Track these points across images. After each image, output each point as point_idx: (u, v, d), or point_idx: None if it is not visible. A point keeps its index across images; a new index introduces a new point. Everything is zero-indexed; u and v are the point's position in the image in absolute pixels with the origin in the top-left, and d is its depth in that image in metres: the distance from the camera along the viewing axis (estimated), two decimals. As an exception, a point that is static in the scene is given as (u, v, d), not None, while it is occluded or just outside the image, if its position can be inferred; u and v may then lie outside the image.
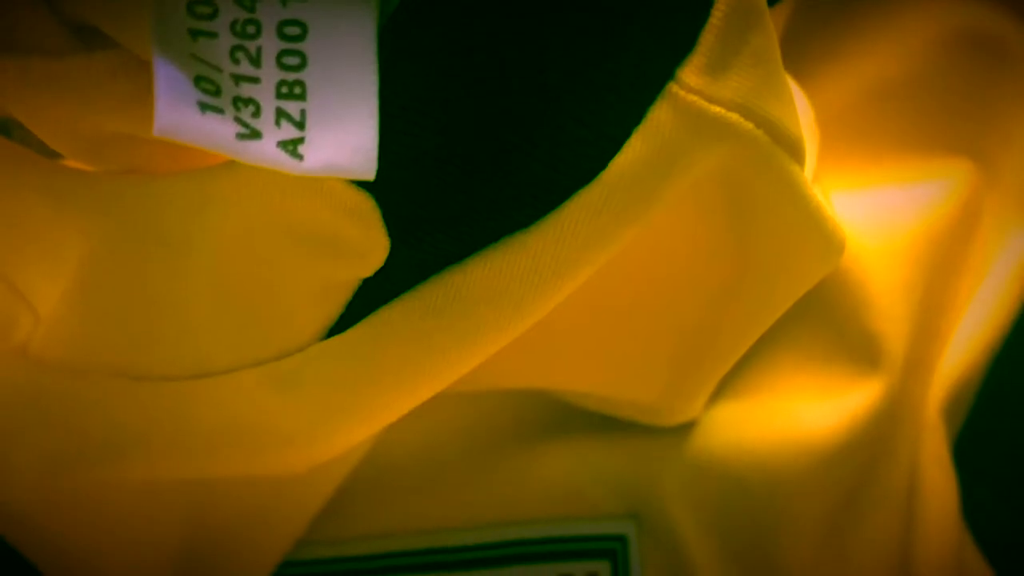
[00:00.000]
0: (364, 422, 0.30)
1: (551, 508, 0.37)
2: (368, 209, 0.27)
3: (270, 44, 0.25)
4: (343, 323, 0.29)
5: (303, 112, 0.25)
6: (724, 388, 0.36)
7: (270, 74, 0.25)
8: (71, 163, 0.29)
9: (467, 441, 0.37)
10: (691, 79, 0.28)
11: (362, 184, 0.27)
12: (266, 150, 0.25)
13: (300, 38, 0.25)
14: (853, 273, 0.37)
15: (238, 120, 0.24)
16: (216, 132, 0.24)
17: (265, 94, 0.25)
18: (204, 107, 0.24)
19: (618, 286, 0.32)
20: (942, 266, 0.38)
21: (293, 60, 0.25)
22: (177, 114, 0.24)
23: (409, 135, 0.27)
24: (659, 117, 0.28)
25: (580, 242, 0.28)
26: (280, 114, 0.25)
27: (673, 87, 0.28)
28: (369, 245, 0.28)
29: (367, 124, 0.25)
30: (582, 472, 0.37)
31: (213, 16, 0.25)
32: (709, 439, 0.36)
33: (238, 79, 0.25)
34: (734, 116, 0.28)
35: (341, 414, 0.30)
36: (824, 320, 0.37)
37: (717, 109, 0.28)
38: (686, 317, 0.33)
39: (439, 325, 0.28)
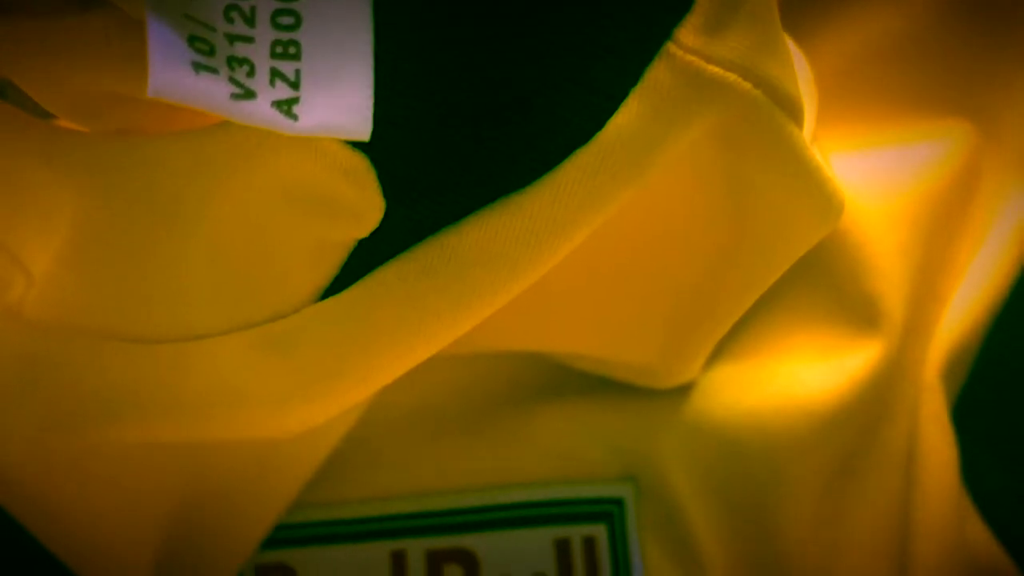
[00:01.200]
0: (359, 384, 0.31)
1: (547, 471, 0.37)
2: (363, 169, 0.28)
3: (264, 3, 0.25)
4: (338, 284, 0.29)
5: (298, 72, 0.25)
6: (722, 350, 0.37)
7: (264, 34, 0.25)
8: (64, 124, 0.30)
9: (463, 404, 0.37)
10: (689, 39, 0.28)
11: (357, 144, 0.27)
12: (260, 110, 0.25)
13: (295, -3, 0.25)
14: (852, 235, 0.37)
15: (232, 80, 0.25)
16: (210, 92, 0.24)
17: (259, 54, 0.25)
18: (198, 67, 0.24)
19: (615, 248, 0.32)
20: (941, 227, 0.38)
21: (287, 20, 0.25)
22: (171, 74, 0.24)
23: (404, 95, 0.27)
24: (657, 77, 0.28)
25: (577, 203, 0.28)
26: (274, 74, 0.25)
27: (671, 47, 0.28)
28: (364, 206, 0.28)
29: (362, 84, 0.25)
30: (578, 435, 0.37)
31: (207, -25, 0.25)
32: (707, 401, 0.36)
33: (232, 39, 0.25)
34: (732, 76, 0.28)
35: (335, 376, 0.30)
36: (823, 282, 0.37)
37: (715, 69, 0.28)
38: (683, 278, 0.33)
39: (434, 286, 0.29)
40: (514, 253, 0.28)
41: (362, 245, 0.29)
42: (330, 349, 0.30)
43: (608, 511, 0.36)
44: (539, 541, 0.36)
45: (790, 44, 0.31)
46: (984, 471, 0.38)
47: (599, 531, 0.36)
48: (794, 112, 0.30)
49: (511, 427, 0.37)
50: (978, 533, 0.38)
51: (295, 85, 0.25)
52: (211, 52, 0.25)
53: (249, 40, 0.25)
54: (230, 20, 0.25)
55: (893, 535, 0.37)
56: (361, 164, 0.28)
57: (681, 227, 0.32)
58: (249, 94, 0.25)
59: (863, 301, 0.37)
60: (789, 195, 0.31)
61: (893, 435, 0.37)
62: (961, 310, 0.38)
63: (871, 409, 0.36)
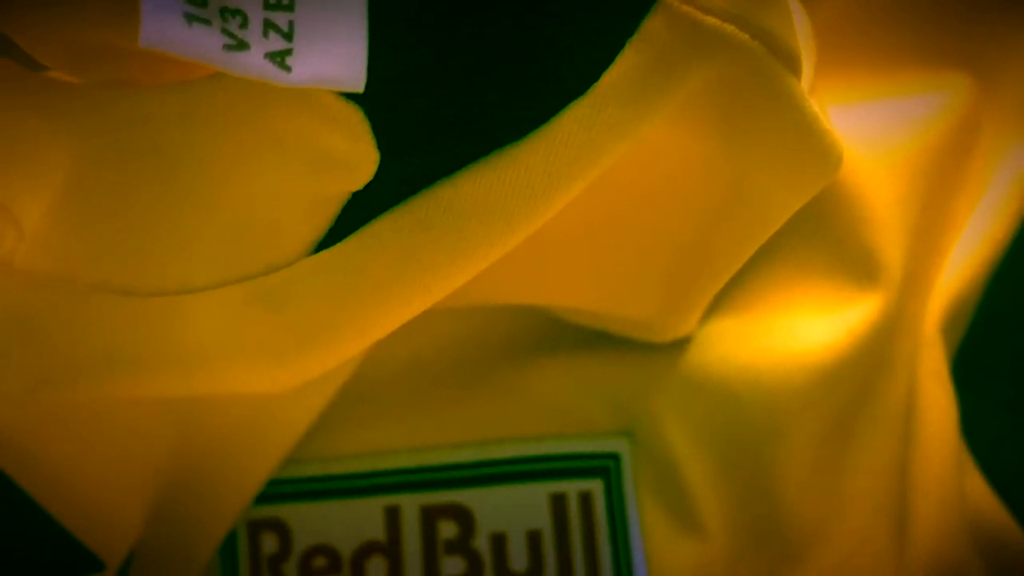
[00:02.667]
0: (352, 338, 0.31)
1: (543, 425, 0.37)
2: (357, 121, 0.28)
3: (257, -46, 0.25)
4: (331, 237, 0.30)
5: (291, 23, 0.25)
6: (720, 304, 0.37)
7: None
8: (57, 75, 0.30)
9: (458, 358, 0.37)
10: None
11: (351, 96, 0.28)
12: (253, 62, 0.25)
13: (288, -52, 0.26)
14: (850, 187, 0.37)
15: (225, 31, 0.25)
16: (202, 43, 0.25)
17: (252, 5, 0.25)
18: (190, 18, 0.24)
19: (612, 201, 0.32)
20: (941, 180, 0.38)
21: (281, -30, 0.25)
22: (163, 25, 0.24)
23: (398, 47, 0.27)
24: (653, 28, 0.28)
25: (572, 155, 0.29)
26: (268, 25, 0.25)
27: None
28: (358, 158, 0.28)
29: (356, 36, 0.26)
30: (575, 389, 0.37)
31: (199, -75, 0.25)
32: (704, 355, 0.36)
33: (225, -10, 0.25)
34: (729, 27, 0.29)
35: (329, 330, 0.31)
36: (821, 234, 0.37)
37: (712, 20, 0.28)
38: (681, 231, 0.33)
39: (429, 239, 0.29)
40: (509, 206, 0.29)
41: (356, 198, 0.29)
42: (324, 302, 0.30)
43: (604, 466, 0.37)
44: (535, 496, 0.37)
45: None
46: (983, 425, 0.39)
47: (595, 486, 0.37)
48: (792, 63, 0.30)
49: (507, 381, 0.37)
50: (977, 487, 0.38)
51: (288, 36, 0.25)
52: (203, 3, 0.25)
53: None
54: None
55: (892, 490, 0.37)
56: (355, 116, 0.28)
57: (678, 180, 0.32)
58: (242, 45, 0.25)
59: (862, 254, 0.37)
60: (786, 147, 0.31)
61: (892, 390, 0.37)
62: (960, 263, 0.38)
63: (870, 363, 0.37)
